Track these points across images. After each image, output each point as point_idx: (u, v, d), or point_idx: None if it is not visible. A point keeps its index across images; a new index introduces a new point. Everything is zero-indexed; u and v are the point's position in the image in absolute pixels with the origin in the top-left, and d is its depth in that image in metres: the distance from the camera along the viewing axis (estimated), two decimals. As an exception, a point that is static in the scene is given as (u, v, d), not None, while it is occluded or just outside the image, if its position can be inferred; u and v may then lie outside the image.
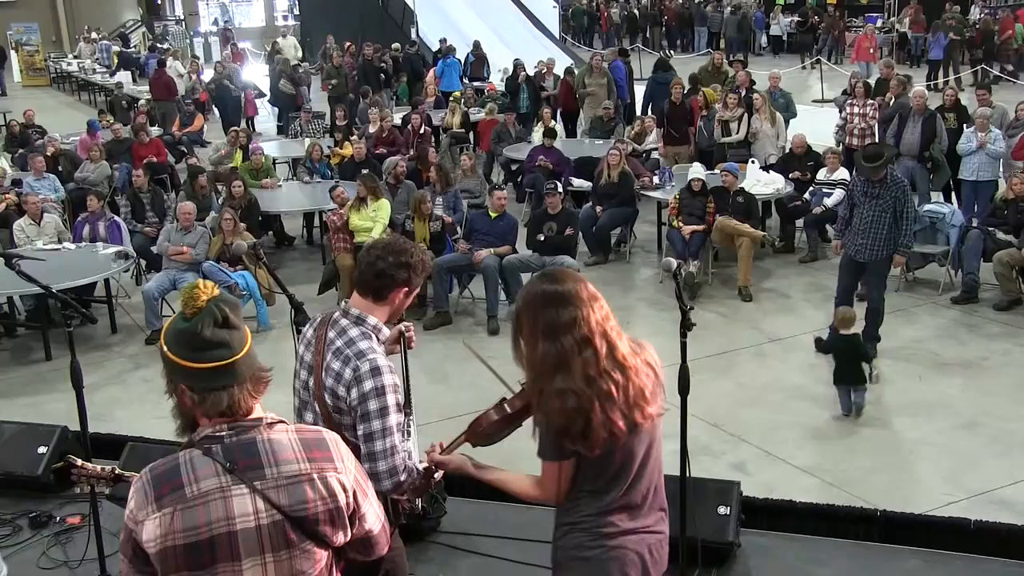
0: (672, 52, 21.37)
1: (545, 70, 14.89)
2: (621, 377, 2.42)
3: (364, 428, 2.62)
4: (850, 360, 5.91)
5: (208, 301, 1.98)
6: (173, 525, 1.91)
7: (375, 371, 2.63)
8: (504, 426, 2.61)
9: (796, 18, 24.82)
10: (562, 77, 14.30)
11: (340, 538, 2.03)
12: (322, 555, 2.02)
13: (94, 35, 26.03)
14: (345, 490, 2.01)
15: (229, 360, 1.97)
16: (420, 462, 2.77)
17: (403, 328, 2.95)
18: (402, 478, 2.66)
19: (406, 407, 2.79)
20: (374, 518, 2.11)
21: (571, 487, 2.52)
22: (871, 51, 18.35)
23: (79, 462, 2.79)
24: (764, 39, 25.64)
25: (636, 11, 28.49)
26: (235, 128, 12.43)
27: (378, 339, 2.73)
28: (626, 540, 2.52)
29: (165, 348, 1.99)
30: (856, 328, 6.06)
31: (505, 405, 2.61)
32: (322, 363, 2.70)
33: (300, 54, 19.29)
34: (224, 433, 1.98)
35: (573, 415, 2.38)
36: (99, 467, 2.78)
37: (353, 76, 15.99)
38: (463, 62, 16.90)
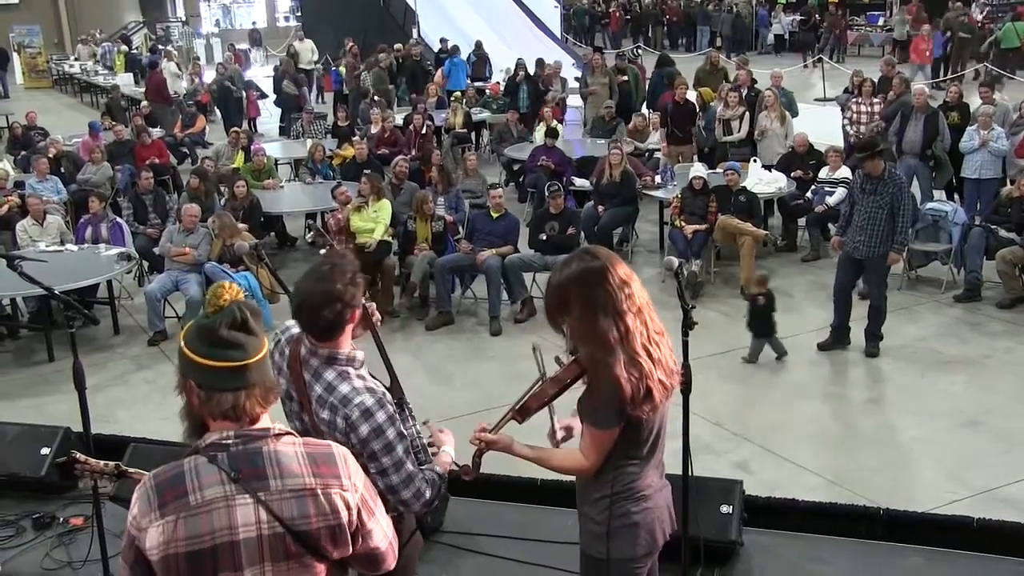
0: (639, 53, 21.49)
1: (552, 72, 14.69)
2: (662, 346, 2.64)
3: (375, 467, 2.57)
4: (763, 316, 6.67)
5: (231, 302, 1.99)
6: (176, 533, 1.90)
7: (366, 414, 2.55)
8: (550, 402, 2.74)
9: (798, 16, 24.81)
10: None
11: (340, 554, 2.02)
12: (321, 568, 2.01)
13: (100, 35, 26.04)
14: (349, 508, 1.99)
15: (240, 363, 1.96)
16: (430, 444, 2.82)
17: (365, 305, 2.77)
18: (428, 495, 2.66)
19: (396, 395, 2.74)
20: (381, 536, 2.09)
21: (610, 457, 2.65)
22: (927, 53, 17.85)
23: (82, 457, 2.79)
24: (770, 37, 25.60)
25: (638, 10, 28.48)
26: (235, 129, 12.41)
27: (354, 367, 2.63)
28: (658, 498, 2.74)
29: (183, 342, 2.01)
30: (769, 287, 6.84)
31: (557, 377, 2.69)
32: (310, 407, 2.62)
33: (316, 57, 19.19)
34: (230, 441, 1.97)
35: (638, 382, 2.55)
36: (102, 463, 2.78)
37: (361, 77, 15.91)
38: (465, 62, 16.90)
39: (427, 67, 16.04)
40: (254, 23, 31.94)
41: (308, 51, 18.63)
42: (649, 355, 2.57)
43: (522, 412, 2.74)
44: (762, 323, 6.72)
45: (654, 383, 2.56)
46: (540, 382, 2.72)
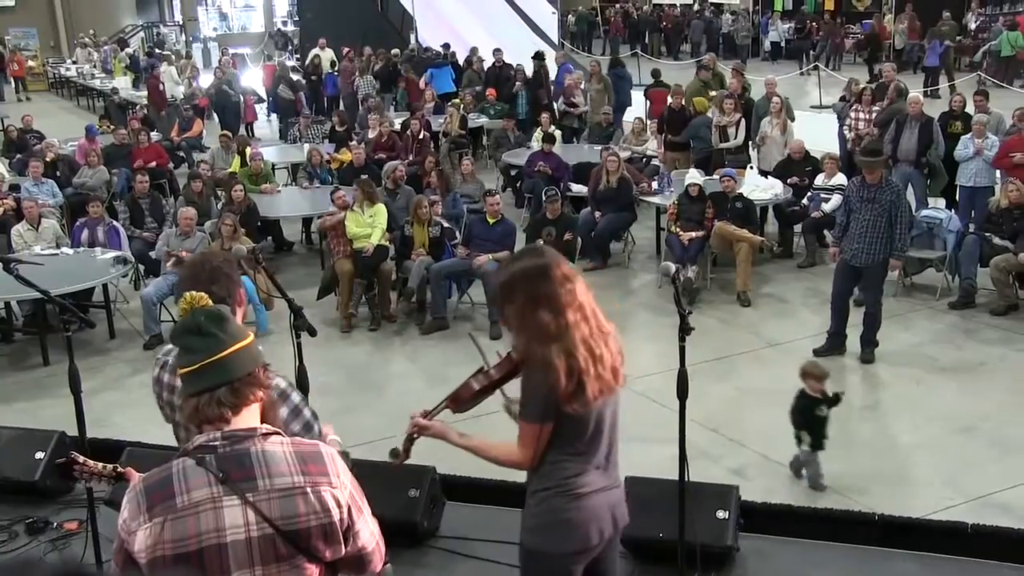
0: (576, 50, 21.70)
1: (573, 84, 14.01)
2: (605, 343, 2.67)
3: None
4: (816, 421, 5.16)
5: (190, 311, 2.03)
6: (163, 535, 1.91)
7: (283, 395, 2.59)
8: (485, 394, 2.79)
9: (794, 24, 24.95)
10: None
11: (332, 554, 2.01)
12: (313, 570, 2.00)
13: (104, 38, 26.01)
14: (339, 505, 1.99)
15: (192, 367, 1.99)
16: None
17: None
18: None
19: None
20: (368, 535, 2.09)
21: (548, 453, 2.68)
22: None
23: (81, 459, 2.79)
24: (766, 44, 25.72)
25: (636, 17, 28.58)
26: (224, 133, 12.38)
27: None
28: (598, 498, 2.73)
29: None
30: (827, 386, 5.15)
31: (491, 371, 2.78)
32: None
33: (332, 68, 19.11)
34: (218, 443, 1.97)
35: (570, 376, 2.59)
36: (100, 465, 2.78)
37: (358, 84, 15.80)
38: (463, 67, 16.89)
39: (509, 74, 15.25)
40: (279, 26, 31.80)
41: (327, 60, 18.60)
42: (589, 350, 2.61)
43: (456, 401, 2.80)
44: (816, 430, 5.13)
45: (589, 378, 2.60)
46: (479, 373, 2.79)
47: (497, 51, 15.81)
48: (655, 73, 14.42)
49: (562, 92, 14.02)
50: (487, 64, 16.10)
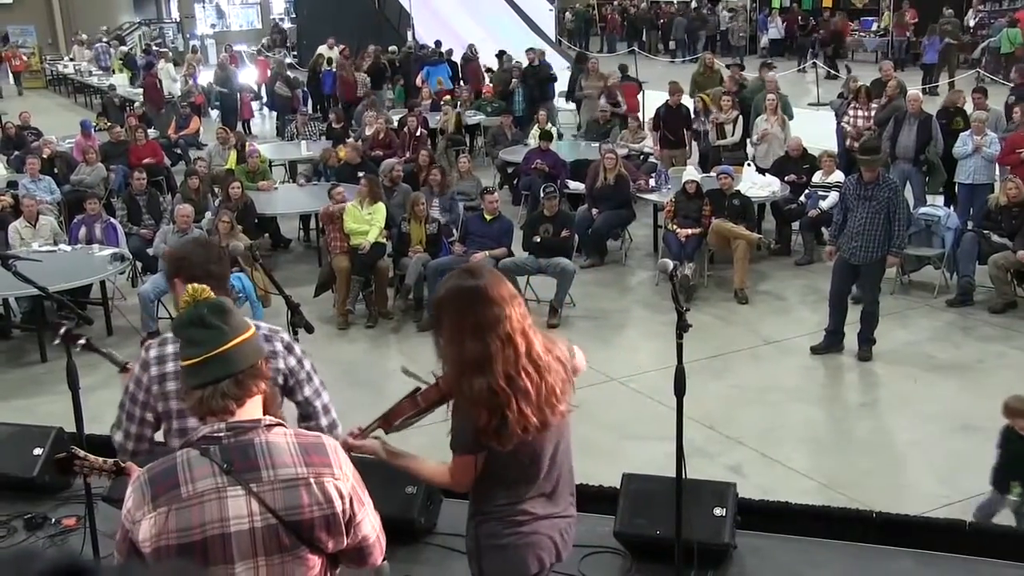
0: (573, 47, 21.77)
1: (614, 86, 13.40)
2: (536, 375, 2.46)
3: (311, 387, 2.90)
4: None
5: (193, 303, 2.03)
6: (167, 525, 1.91)
7: (294, 339, 2.97)
8: (417, 417, 2.70)
9: (782, 21, 24.98)
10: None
11: (335, 545, 2.02)
12: (315, 561, 2.01)
13: (100, 35, 25.95)
14: (342, 496, 2.01)
15: (196, 360, 1.99)
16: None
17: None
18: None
19: None
20: (370, 527, 2.11)
21: (484, 477, 2.56)
22: None
23: (82, 453, 2.79)
24: (764, 40, 25.72)
25: (633, 14, 28.58)
26: (221, 127, 12.33)
27: None
28: (539, 526, 2.60)
29: None
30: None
31: (419, 397, 2.67)
32: None
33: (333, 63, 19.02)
34: (222, 434, 1.98)
35: (491, 412, 2.43)
36: (100, 459, 2.78)
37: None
38: (460, 64, 16.87)
39: (551, 74, 14.87)
40: (276, 22, 31.72)
41: (331, 58, 18.58)
42: (512, 384, 2.42)
43: (387, 422, 2.71)
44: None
45: (512, 414, 2.41)
46: (412, 396, 2.69)
47: (531, 50, 15.51)
48: (622, 68, 14.54)
49: (605, 93, 13.65)
50: (509, 63, 15.95)
